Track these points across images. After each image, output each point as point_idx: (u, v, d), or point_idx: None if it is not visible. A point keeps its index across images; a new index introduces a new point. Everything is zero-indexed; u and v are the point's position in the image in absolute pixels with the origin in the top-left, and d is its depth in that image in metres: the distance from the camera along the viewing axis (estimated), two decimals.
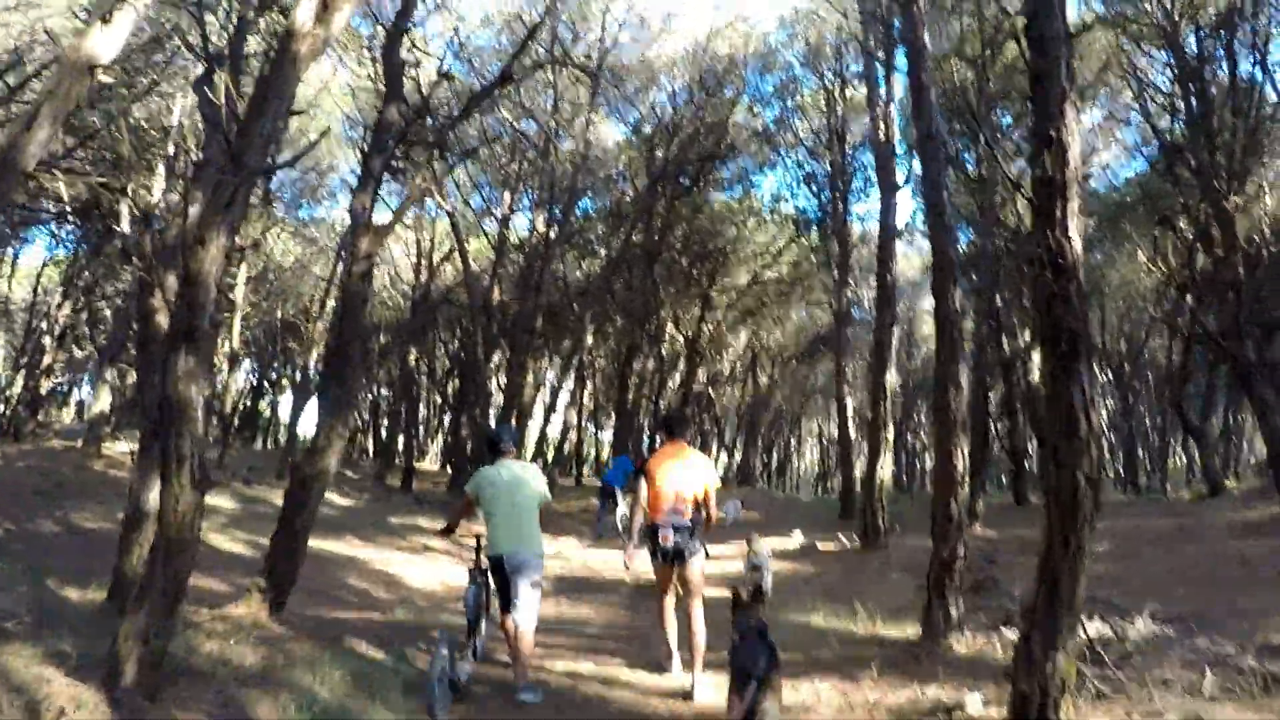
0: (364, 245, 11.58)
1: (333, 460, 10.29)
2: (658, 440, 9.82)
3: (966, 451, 10.15)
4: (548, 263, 25.12)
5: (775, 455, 63.90)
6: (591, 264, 33.15)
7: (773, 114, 31.86)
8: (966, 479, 10.09)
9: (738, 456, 52.44)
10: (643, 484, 7.61)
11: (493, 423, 25.66)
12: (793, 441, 68.15)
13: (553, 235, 25.88)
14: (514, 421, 24.62)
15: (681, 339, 36.95)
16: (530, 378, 24.92)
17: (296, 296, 38.51)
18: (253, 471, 24.51)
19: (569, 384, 39.36)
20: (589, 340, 32.27)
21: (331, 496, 23.44)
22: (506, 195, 29.37)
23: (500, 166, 29.59)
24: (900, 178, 20.25)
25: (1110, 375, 42.09)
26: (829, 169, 29.66)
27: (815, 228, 32.40)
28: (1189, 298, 21.70)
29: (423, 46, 18.00)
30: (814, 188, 31.69)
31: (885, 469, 17.24)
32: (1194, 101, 21.43)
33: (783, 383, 51.65)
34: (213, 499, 18.37)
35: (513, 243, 29.85)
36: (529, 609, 7.15)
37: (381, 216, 25.94)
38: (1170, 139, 22.57)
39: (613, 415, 37.49)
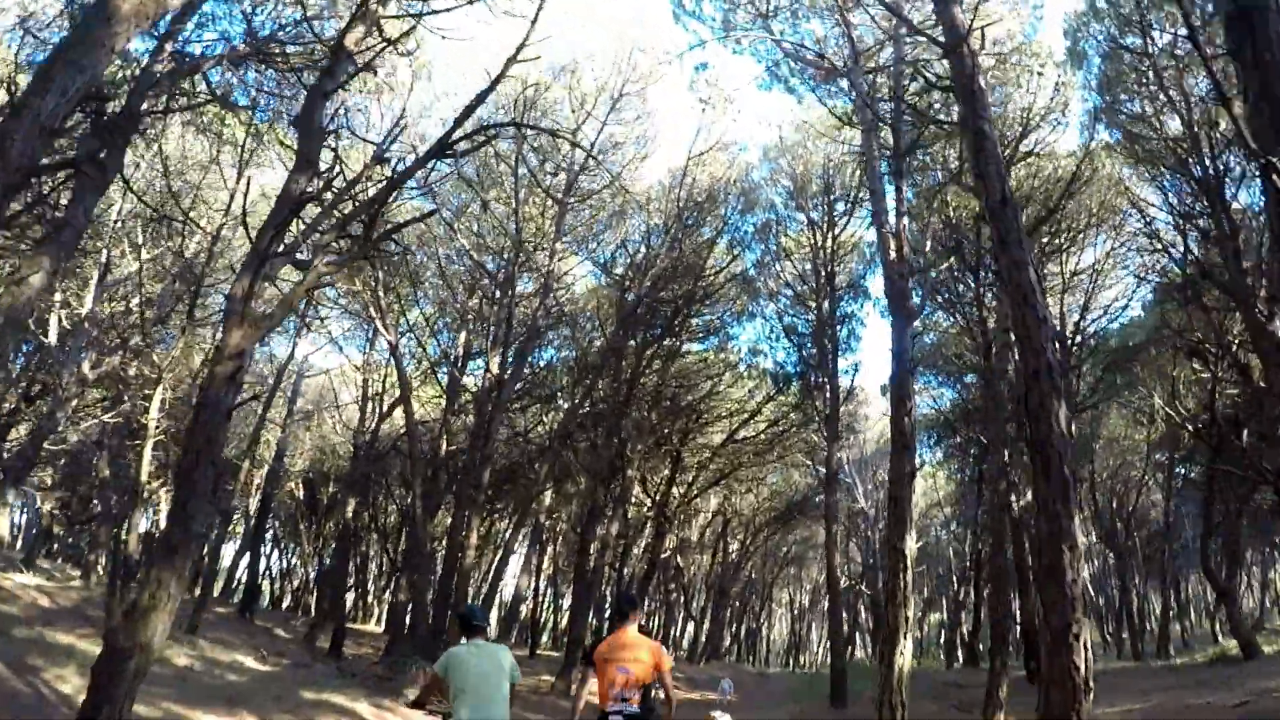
0: (234, 339, 8.64)
1: (161, 626, 7.51)
2: (606, 627, 7.96)
3: (1088, 644, 7.09)
4: (499, 409, 21.75)
5: (744, 625, 60.08)
6: (554, 418, 30.06)
7: (753, 257, 29.52)
8: (1091, 679, 7.03)
9: (706, 627, 48.93)
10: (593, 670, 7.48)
11: (432, 587, 22.03)
12: (762, 612, 64.21)
13: (505, 377, 22.51)
14: (454, 585, 21.13)
15: (649, 502, 33.70)
16: (474, 538, 21.26)
17: (240, 438, 35.70)
18: None
19: (523, 546, 35.72)
20: (547, 500, 28.71)
21: (243, 659, 19.89)
22: (462, 335, 26.32)
23: (459, 306, 26.66)
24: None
25: (1101, 535, 39.61)
26: (813, 318, 27.26)
27: (796, 382, 29.80)
28: (1245, 436, 19.53)
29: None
30: (795, 339, 29.20)
31: (905, 654, 13.67)
32: (1220, 219, 19.68)
33: (754, 550, 48.41)
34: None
35: (470, 390, 26.79)
36: None
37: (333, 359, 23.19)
38: (1195, 261, 20.58)
39: (568, 583, 33.69)
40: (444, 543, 24.29)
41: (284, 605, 49.75)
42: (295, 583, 52.44)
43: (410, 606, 22.82)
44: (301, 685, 18.37)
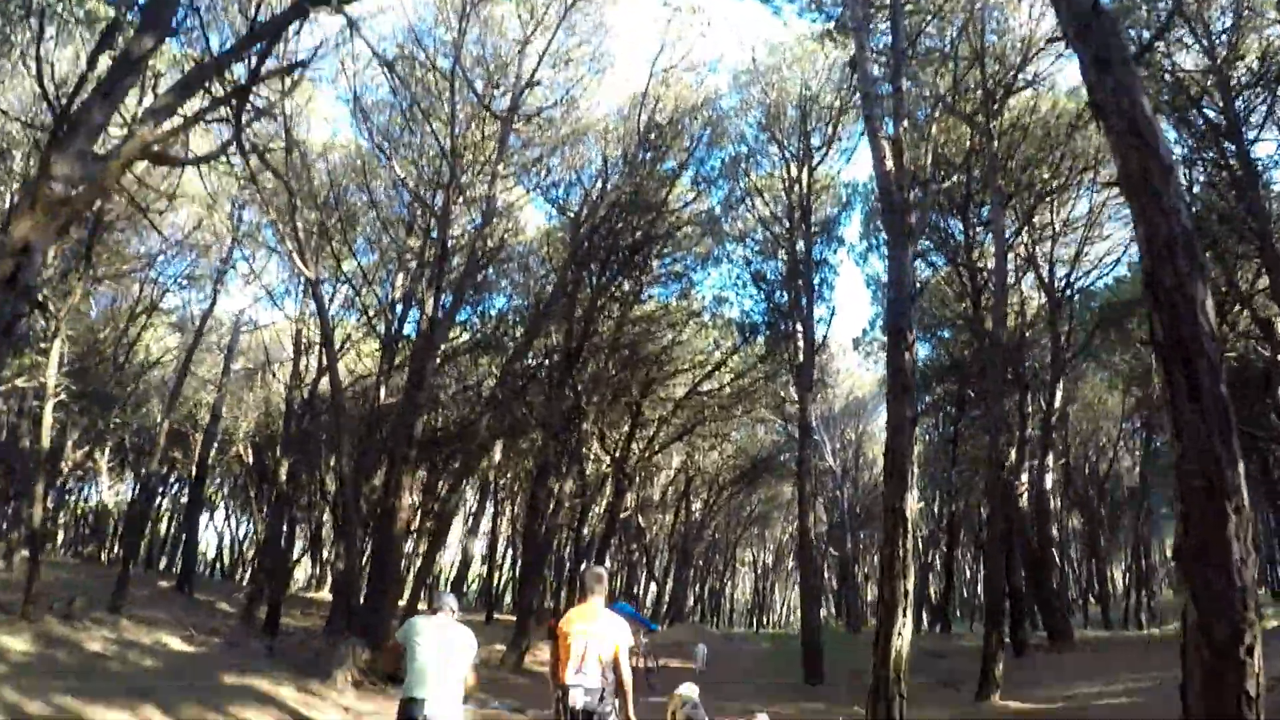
0: (20, 229, 6.33)
1: None
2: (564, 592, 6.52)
3: (1261, 659, 4.48)
4: (432, 351, 18.73)
5: (707, 586, 58.05)
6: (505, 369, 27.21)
7: (720, 194, 26.70)
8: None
9: (669, 587, 46.82)
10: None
11: (364, 553, 19.08)
12: (726, 572, 62.15)
13: (440, 316, 19.32)
14: (389, 551, 18.25)
15: (608, 459, 31.08)
16: (406, 498, 18.26)
17: (184, 401, 32.86)
18: (78, 604, 17.87)
19: (474, 508, 33.03)
20: (497, 457, 25.80)
21: (167, 640, 17.14)
22: (400, 279, 23.26)
23: (396, 248, 23.58)
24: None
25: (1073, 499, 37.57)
26: (784, 261, 24.64)
27: (764, 333, 27.22)
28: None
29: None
30: (764, 287, 26.53)
31: (904, 634, 10.88)
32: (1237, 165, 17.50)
33: (717, 510, 46.17)
34: (4, 637, 13.80)
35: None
36: None
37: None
38: (1214, 207, 18.31)
39: (521, 545, 30.85)
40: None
41: (237, 576, 47.00)
42: (251, 552, 49.85)
43: (344, 574, 19.91)
44: (225, 668, 15.73)
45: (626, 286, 26.12)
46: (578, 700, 6.76)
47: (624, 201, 22.40)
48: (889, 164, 12.52)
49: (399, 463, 17.98)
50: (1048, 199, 22.20)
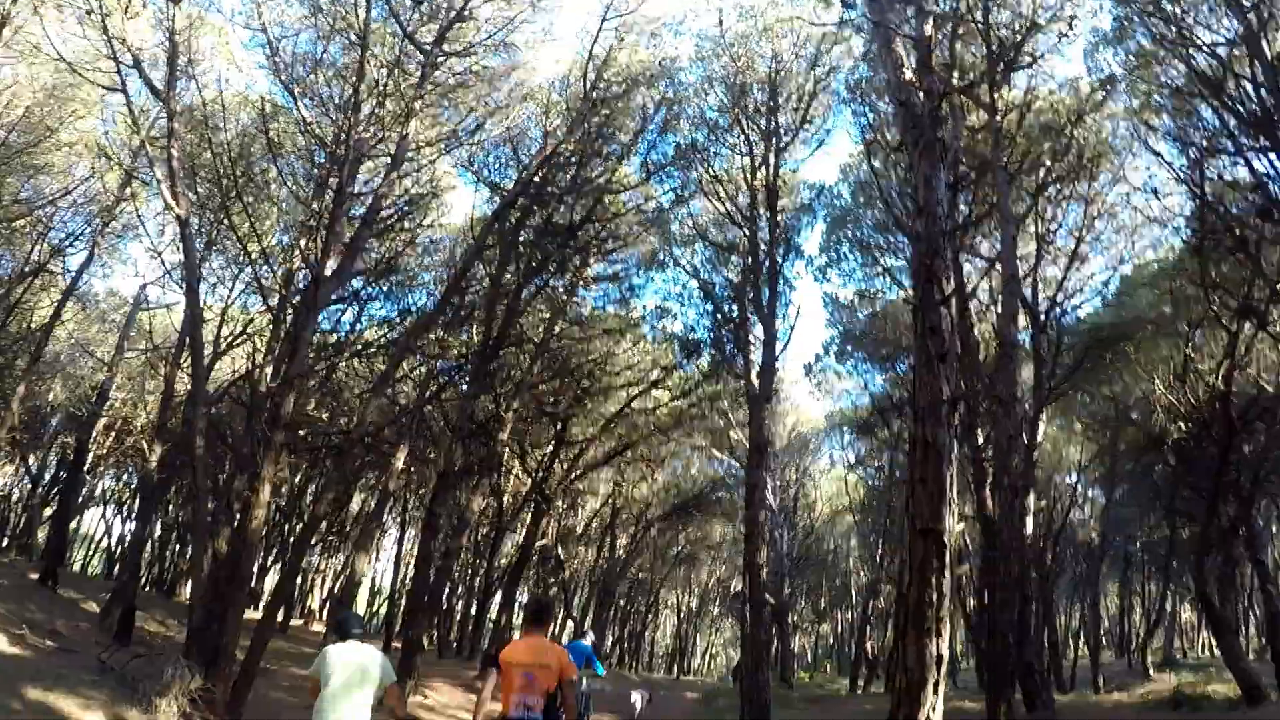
0: None
1: None
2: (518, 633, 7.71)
3: None
4: (315, 313, 14.71)
5: (628, 628, 54.50)
6: (419, 372, 23.37)
7: (671, 186, 23.12)
8: None
9: (588, 626, 43.25)
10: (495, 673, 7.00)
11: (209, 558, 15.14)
12: (648, 614, 58.53)
13: (327, 274, 15.11)
14: (229, 550, 14.33)
15: (528, 480, 27.46)
16: (266, 493, 13.97)
17: (76, 381, 30.91)
18: None
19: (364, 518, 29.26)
20: (399, 464, 21.80)
21: None
22: (303, 242, 19.29)
23: (303, 211, 19.61)
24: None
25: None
26: (743, 256, 21.37)
27: (709, 352, 23.82)
28: None
29: None
30: (714, 296, 23.10)
31: (935, 717, 7.04)
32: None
33: (645, 547, 42.85)
34: None
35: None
36: None
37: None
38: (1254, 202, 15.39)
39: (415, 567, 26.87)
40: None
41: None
42: (149, 552, 45.45)
43: (204, 585, 15.82)
44: (37, 679, 12.62)
45: (556, 283, 22.85)
46: None
47: (566, 175, 19.01)
48: (908, 74, 9.19)
49: (262, 446, 14.10)
50: (1044, 194, 19.25)
